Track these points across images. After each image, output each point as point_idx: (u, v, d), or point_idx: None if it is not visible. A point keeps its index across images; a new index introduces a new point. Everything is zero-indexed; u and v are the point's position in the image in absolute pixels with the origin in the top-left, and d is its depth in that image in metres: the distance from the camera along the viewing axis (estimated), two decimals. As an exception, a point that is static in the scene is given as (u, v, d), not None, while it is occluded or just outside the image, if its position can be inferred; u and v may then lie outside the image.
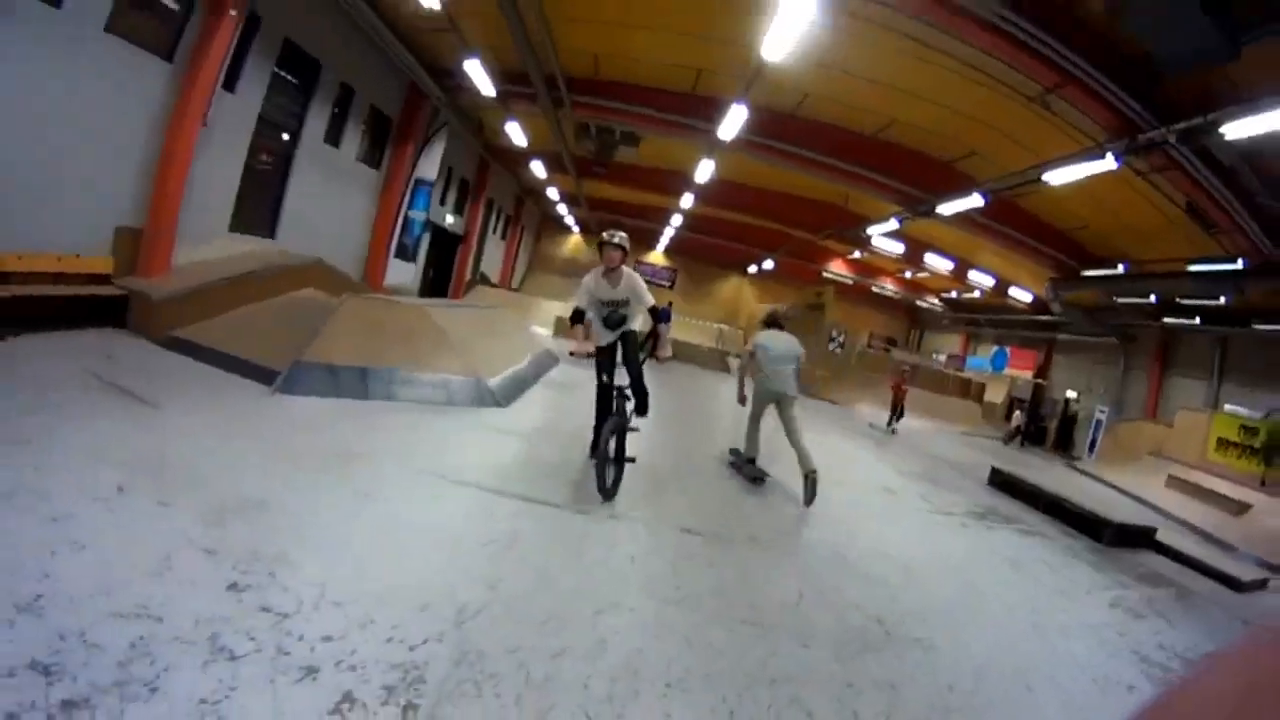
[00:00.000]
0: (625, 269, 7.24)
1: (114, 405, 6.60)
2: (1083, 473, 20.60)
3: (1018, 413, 27.73)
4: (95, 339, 9.19)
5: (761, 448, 8.91)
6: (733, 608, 4.61)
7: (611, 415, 6.82)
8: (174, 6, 10.99)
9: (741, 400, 8.99)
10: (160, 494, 4.53)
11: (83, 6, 9.44)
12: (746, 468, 8.82)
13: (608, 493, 6.22)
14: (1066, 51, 10.84)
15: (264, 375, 8.48)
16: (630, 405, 7.33)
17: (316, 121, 15.75)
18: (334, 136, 16.74)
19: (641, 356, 7.46)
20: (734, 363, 24.27)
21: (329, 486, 5.32)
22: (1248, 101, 10.32)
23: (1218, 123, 10.89)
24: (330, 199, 17.16)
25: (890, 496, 9.73)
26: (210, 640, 3.08)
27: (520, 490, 6.12)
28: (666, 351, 7.55)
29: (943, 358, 42.72)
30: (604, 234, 7.13)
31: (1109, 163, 13.21)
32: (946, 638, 4.88)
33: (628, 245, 7.16)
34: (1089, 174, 14.19)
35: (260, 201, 14.67)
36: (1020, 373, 34.90)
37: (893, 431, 18.34)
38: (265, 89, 13.70)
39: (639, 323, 7.50)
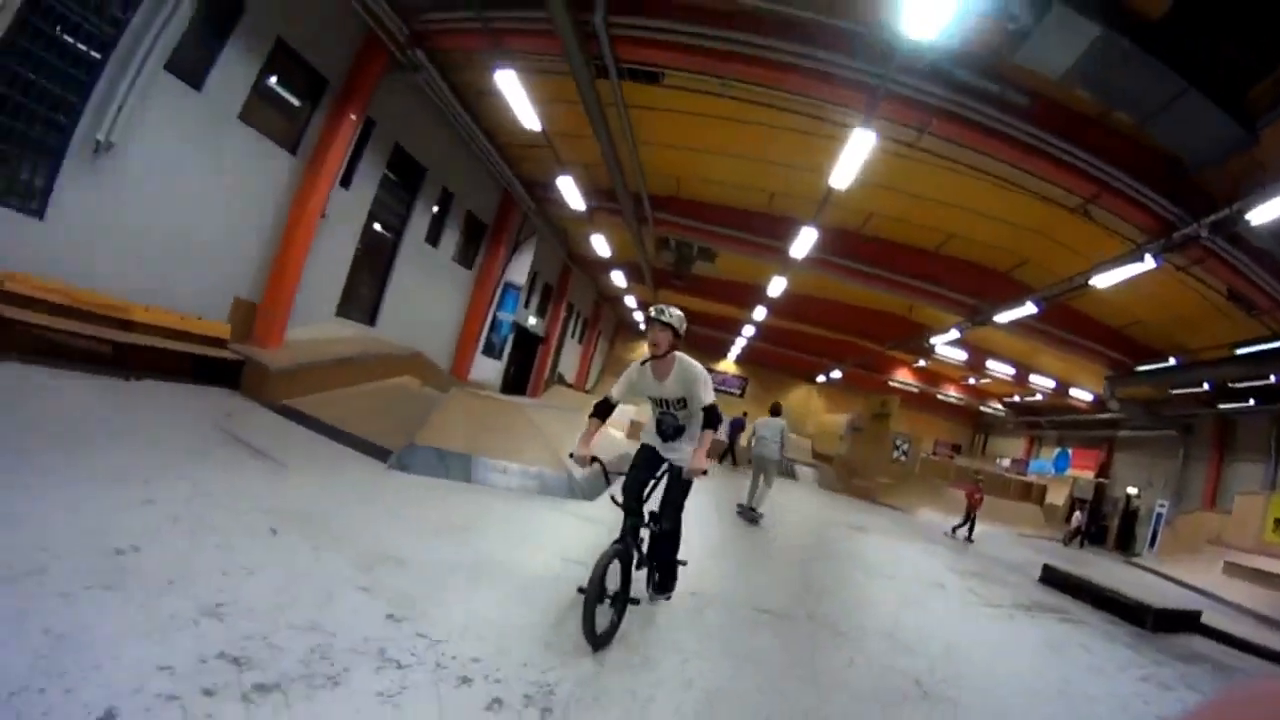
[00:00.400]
0: (679, 357, 5.35)
1: (246, 459, 7.40)
2: (1140, 568, 20.35)
3: (1077, 513, 27.48)
4: (213, 397, 10.04)
5: (762, 505, 12.49)
6: (794, 666, 5.15)
7: (618, 543, 4.93)
8: (297, 104, 12.19)
9: (748, 463, 13.53)
10: (310, 541, 5.15)
11: (221, 93, 10.52)
12: (747, 513, 12.36)
13: (596, 640, 4.39)
14: (1099, 163, 11.43)
15: (373, 450, 9.21)
16: (651, 561, 5.62)
17: (419, 221, 16.89)
18: (433, 236, 17.88)
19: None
20: (800, 470, 27.08)
21: (454, 550, 5.94)
22: (1271, 183, 10.64)
23: (1244, 210, 11.20)
24: (427, 294, 18.20)
25: (940, 590, 9.98)
26: (379, 653, 3.63)
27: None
28: (700, 463, 5.14)
29: (1006, 463, 42.13)
30: (650, 309, 5.38)
31: (1148, 264, 13.63)
32: (976, 698, 5.28)
33: (680, 326, 5.27)
34: (1131, 275, 14.58)
35: (365, 290, 15.73)
36: (1082, 473, 34.29)
37: (970, 541, 17.96)
38: (376, 188, 14.87)
39: (696, 450, 5.32)
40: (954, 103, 10.91)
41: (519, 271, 22.57)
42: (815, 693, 4.67)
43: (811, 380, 47.83)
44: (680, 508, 5.49)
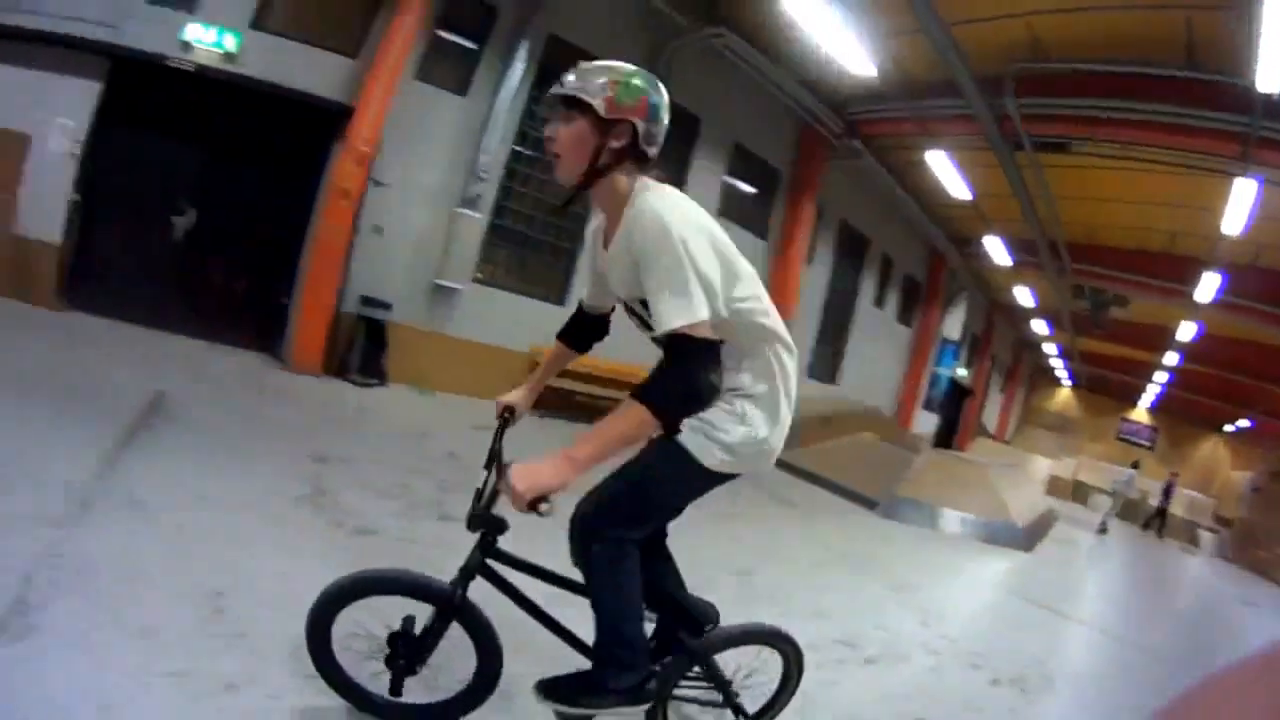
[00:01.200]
0: (637, 196, 2.29)
1: (770, 501, 9.97)
2: None
3: None
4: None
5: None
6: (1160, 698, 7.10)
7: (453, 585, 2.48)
8: (757, 194, 15.00)
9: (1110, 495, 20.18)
10: (849, 568, 7.68)
11: (699, 194, 11.77)
12: (1100, 527, 18.31)
13: None
14: None
15: (854, 497, 11.60)
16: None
17: (867, 287, 19.36)
18: (879, 299, 20.25)
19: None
20: (1202, 535, 26.33)
21: (947, 580, 8.32)
22: None
23: None
24: (875, 353, 20.50)
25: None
26: (922, 644, 5.82)
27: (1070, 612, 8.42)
28: (533, 478, 2.03)
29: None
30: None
31: None
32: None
33: (605, 100, 2.16)
34: None
35: (827, 353, 18.47)
36: None
37: None
38: (831, 261, 17.53)
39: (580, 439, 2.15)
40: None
41: (953, 328, 24.10)
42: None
43: (1219, 430, 40.56)
44: (614, 524, 2.48)
